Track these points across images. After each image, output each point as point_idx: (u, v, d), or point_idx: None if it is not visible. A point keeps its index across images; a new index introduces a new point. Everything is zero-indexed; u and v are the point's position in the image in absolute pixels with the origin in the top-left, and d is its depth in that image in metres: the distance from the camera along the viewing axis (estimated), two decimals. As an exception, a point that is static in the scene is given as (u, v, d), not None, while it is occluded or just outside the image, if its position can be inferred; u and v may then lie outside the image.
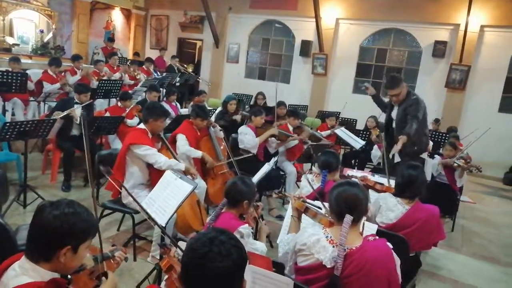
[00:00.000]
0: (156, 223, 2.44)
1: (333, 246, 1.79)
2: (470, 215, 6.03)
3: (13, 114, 6.08)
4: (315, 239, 1.83)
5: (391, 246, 1.83)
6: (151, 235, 3.60)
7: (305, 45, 10.79)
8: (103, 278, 1.78)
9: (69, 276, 1.59)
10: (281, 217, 4.91)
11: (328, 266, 1.76)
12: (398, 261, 1.83)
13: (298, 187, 5.31)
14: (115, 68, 7.92)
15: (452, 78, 9.16)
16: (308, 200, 2.34)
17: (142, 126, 3.50)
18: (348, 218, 1.78)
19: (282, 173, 5.31)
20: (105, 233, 3.88)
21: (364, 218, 1.93)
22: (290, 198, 2.33)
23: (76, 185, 5.08)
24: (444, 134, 7.14)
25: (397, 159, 4.37)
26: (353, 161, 6.95)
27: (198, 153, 4.12)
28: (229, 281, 1.22)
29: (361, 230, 1.90)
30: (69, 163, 4.86)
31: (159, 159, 3.30)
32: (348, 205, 1.83)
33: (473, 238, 5.12)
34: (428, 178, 5.18)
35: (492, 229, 5.56)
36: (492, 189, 7.95)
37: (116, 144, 5.31)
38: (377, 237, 1.85)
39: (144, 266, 3.34)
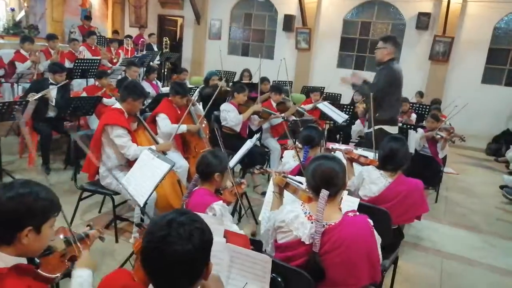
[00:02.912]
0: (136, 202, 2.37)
1: (312, 222, 1.74)
2: (453, 186, 6.09)
3: (-15, 98, 5.86)
4: (293, 216, 1.78)
5: (372, 223, 1.79)
6: (133, 216, 3.53)
7: (288, 19, 10.58)
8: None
9: (37, 260, 1.52)
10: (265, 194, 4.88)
11: (307, 242, 1.72)
12: (379, 239, 1.80)
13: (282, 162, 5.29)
14: (93, 48, 7.63)
15: (435, 50, 9.13)
16: (290, 176, 2.28)
17: (118, 105, 3.37)
18: (324, 193, 1.72)
19: (266, 149, 5.25)
20: (86, 215, 3.80)
21: (345, 192, 1.88)
22: (272, 173, 2.27)
23: (55, 167, 4.94)
24: (427, 107, 7.15)
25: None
26: (337, 136, 6.94)
27: (183, 128, 4.02)
28: (190, 265, 1.15)
29: (340, 205, 1.85)
30: (46, 145, 4.71)
31: (128, 150, 3.19)
32: (324, 180, 1.77)
33: (455, 209, 5.18)
34: (411, 151, 5.20)
35: (474, 199, 5.64)
36: (475, 160, 8.05)
37: (95, 124, 5.15)
38: (357, 213, 1.81)
39: (126, 247, 3.28)
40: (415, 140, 5.22)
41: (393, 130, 4.29)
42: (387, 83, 4.12)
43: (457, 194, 5.76)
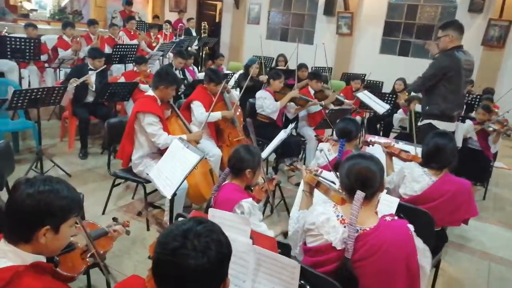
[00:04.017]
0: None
1: (344, 226, 1.60)
2: (504, 182, 5.67)
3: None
4: (324, 218, 1.64)
5: (412, 229, 1.62)
6: (165, 204, 3.52)
7: (329, 3, 10.17)
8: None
9: (56, 258, 1.48)
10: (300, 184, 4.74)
11: (338, 248, 1.58)
12: (425, 248, 1.62)
13: (316, 139, 5.10)
14: (132, 33, 7.69)
15: (490, 35, 8.46)
16: (323, 173, 2.14)
17: (151, 92, 3.33)
18: (359, 195, 1.57)
19: (302, 139, 5.09)
20: (120, 201, 3.83)
21: (381, 193, 1.71)
22: (302, 170, 2.13)
23: (93, 152, 5.04)
24: (478, 96, 6.66)
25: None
26: (378, 126, 6.64)
27: (217, 115, 3.96)
28: (205, 281, 1.04)
29: (376, 209, 1.68)
30: (84, 130, 4.80)
31: (158, 139, 3.15)
32: (359, 180, 1.62)
33: (506, 207, 4.81)
34: (459, 144, 4.84)
35: (527, 197, 5.23)
36: (529, 154, 7.47)
37: (131, 108, 5.18)
38: (396, 218, 1.64)
39: (157, 235, 3.26)
40: (463, 132, 4.85)
41: (446, 126, 3.68)
42: (437, 71, 3.65)
43: (508, 191, 5.35)
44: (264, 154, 3.65)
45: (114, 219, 2.02)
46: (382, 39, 9.95)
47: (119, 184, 3.63)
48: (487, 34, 8.51)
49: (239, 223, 1.68)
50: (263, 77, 5.96)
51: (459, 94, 3.80)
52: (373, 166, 1.63)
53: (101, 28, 8.69)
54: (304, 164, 5.16)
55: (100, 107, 4.97)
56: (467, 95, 6.93)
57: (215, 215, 1.74)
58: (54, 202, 1.31)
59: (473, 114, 6.04)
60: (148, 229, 3.38)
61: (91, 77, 4.78)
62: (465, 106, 6.45)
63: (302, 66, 6.37)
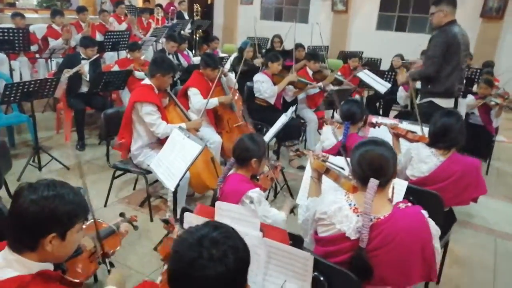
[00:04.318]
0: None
1: (358, 215, 1.55)
2: (506, 156, 5.64)
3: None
4: (336, 208, 1.59)
5: (426, 215, 1.57)
6: (167, 194, 3.47)
7: (324, -21, 9.96)
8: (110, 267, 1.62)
9: (64, 265, 1.42)
10: (302, 168, 4.70)
11: (352, 238, 1.53)
12: (438, 231, 1.57)
13: (319, 134, 5.04)
14: (122, 18, 7.50)
15: (488, 6, 8.32)
16: (330, 158, 2.08)
17: (148, 81, 3.23)
18: (373, 182, 1.51)
19: (302, 121, 5.02)
20: (121, 192, 3.78)
21: (393, 180, 1.66)
22: (309, 156, 2.07)
23: (90, 143, 4.96)
24: (478, 70, 6.58)
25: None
26: (377, 104, 6.56)
27: (214, 101, 3.88)
28: None
29: (390, 196, 1.63)
30: (80, 121, 4.71)
31: (158, 128, 3.08)
32: (373, 168, 1.55)
33: (508, 181, 4.80)
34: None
35: (529, 170, 5.21)
36: (529, 127, 7.43)
37: (128, 98, 5.08)
38: (409, 204, 1.59)
39: (161, 226, 3.17)
40: (465, 108, 4.80)
41: (447, 103, 3.69)
42: (441, 51, 3.55)
43: (510, 165, 5.33)
44: (265, 139, 3.59)
45: (121, 214, 1.96)
46: (378, 15, 9.78)
47: (119, 175, 3.57)
48: (485, 5, 8.38)
49: (247, 215, 1.63)
50: (258, 61, 5.84)
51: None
52: (386, 153, 1.57)
53: (91, 14, 8.48)
54: (305, 147, 5.13)
55: (95, 97, 4.86)
56: (466, 69, 6.85)
57: (222, 208, 1.69)
58: (60, 208, 1.24)
59: (474, 89, 5.97)
60: (151, 220, 3.34)
61: (84, 67, 4.67)
62: (465, 81, 6.38)
63: (298, 46, 6.25)
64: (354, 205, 1.58)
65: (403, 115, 5.09)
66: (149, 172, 3.23)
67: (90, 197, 3.48)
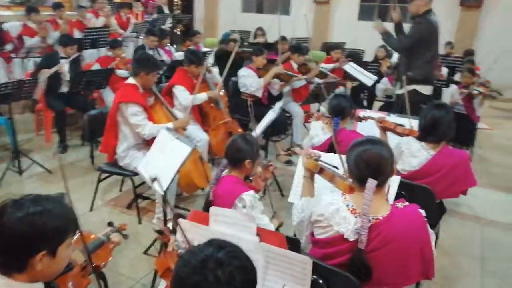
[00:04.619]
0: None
1: (356, 217, 1.53)
2: (487, 143, 5.75)
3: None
4: (333, 209, 1.57)
5: (424, 214, 1.57)
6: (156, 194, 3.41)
7: (304, -30, 9.91)
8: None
9: (55, 283, 1.36)
10: (289, 162, 4.69)
11: (351, 239, 1.52)
12: (433, 234, 1.57)
13: (306, 128, 5.04)
14: (101, 14, 7.29)
15: (467, -6, 8.41)
16: (322, 156, 2.05)
17: (132, 80, 3.14)
18: (371, 183, 1.49)
19: (287, 115, 4.99)
20: (107, 195, 3.70)
21: (390, 179, 1.64)
22: (302, 156, 2.04)
23: (73, 144, 4.83)
24: (459, 59, 6.65)
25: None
26: (361, 95, 6.57)
27: (203, 96, 3.81)
28: None
29: (387, 196, 1.62)
30: (61, 122, 4.57)
31: (143, 129, 3.00)
32: (371, 168, 1.53)
33: (492, 169, 4.88)
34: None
35: (511, 156, 5.32)
36: (508, 113, 7.58)
37: (110, 96, 4.95)
38: (406, 203, 1.58)
39: (150, 229, 3.17)
40: (449, 97, 4.85)
41: (427, 90, 4.02)
42: (422, 37, 3.76)
43: (492, 152, 5.44)
44: (257, 132, 3.55)
45: (110, 223, 1.90)
46: (360, 5, 9.78)
47: (105, 178, 3.48)
48: (465, -7, 8.46)
49: (243, 220, 1.60)
50: (235, 35, 5.74)
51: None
52: (384, 152, 1.55)
53: (68, 10, 8.22)
54: (291, 141, 5.11)
55: (76, 97, 4.73)
56: (447, 57, 6.93)
57: (217, 213, 1.66)
58: (48, 224, 1.18)
59: (456, 78, 6.05)
60: (140, 223, 3.28)
61: (64, 66, 4.51)
62: (447, 69, 6.47)
63: (282, 39, 6.18)
64: (352, 206, 1.56)
65: (388, 106, 5.13)
66: (136, 174, 3.17)
67: (75, 201, 3.40)
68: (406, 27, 4.07)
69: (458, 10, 8.67)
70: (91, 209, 3.42)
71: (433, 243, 1.56)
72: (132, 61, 3.21)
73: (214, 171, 4.29)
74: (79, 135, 5.02)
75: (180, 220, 1.71)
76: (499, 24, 8.44)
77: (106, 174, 3.43)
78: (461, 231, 3.45)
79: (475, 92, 4.69)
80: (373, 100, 6.29)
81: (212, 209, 1.66)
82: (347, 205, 1.56)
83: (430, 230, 1.58)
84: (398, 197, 2.15)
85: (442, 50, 7.56)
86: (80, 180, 3.94)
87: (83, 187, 3.76)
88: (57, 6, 6.59)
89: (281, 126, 4.63)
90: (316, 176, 1.98)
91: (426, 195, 2.27)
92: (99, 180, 3.40)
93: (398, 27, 4.13)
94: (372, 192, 1.48)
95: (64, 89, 4.64)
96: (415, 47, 3.82)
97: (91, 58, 6.14)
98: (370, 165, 1.53)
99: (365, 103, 6.17)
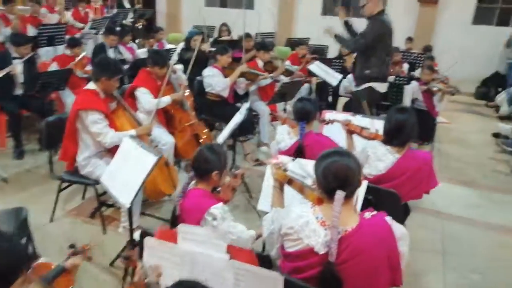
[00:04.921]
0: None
1: (325, 229, 1.53)
2: (446, 137, 5.98)
3: None
4: (303, 222, 1.56)
5: (390, 222, 1.59)
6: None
7: (267, -37, 9.85)
8: None
9: None
10: (258, 161, 4.68)
11: (321, 252, 1.52)
12: (402, 234, 1.59)
13: (273, 126, 5.03)
14: (56, 9, 6.95)
15: (424, -9, 8.68)
16: (289, 165, 2.04)
17: (92, 85, 3.00)
18: (340, 195, 1.50)
19: (254, 113, 4.96)
20: (68, 204, 3.54)
21: (358, 191, 1.66)
22: (270, 166, 2.02)
23: (30, 149, 4.59)
24: (420, 55, 6.86)
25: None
26: (327, 91, 6.64)
27: (167, 100, 3.71)
28: None
29: (356, 206, 1.63)
30: (16, 127, 4.33)
31: (104, 138, 2.87)
32: (339, 180, 1.54)
33: (450, 163, 5.09)
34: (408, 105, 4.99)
35: (468, 150, 5.56)
36: (465, 106, 7.93)
37: (70, 98, 4.72)
38: (374, 212, 1.60)
39: (116, 238, 3.07)
40: (411, 91, 4.99)
41: (382, 87, 4.26)
42: (376, 37, 3.95)
43: (451, 146, 5.67)
44: (220, 139, 3.51)
45: (71, 246, 1.80)
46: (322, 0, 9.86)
47: (66, 188, 3.33)
48: (421, -10, 8.72)
49: (213, 238, 1.56)
50: (206, 46, 5.68)
51: (390, 56, 4.26)
52: (351, 163, 1.56)
53: (19, 4, 7.78)
54: (258, 139, 5.10)
55: (32, 99, 4.48)
56: (408, 53, 7.13)
57: (185, 231, 1.61)
58: None
59: (416, 74, 6.23)
60: (104, 232, 3.16)
61: (17, 67, 4.26)
62: (408, 65, 6.65)
63: (247, 36, 6.13)
64: (321, 218, 1.56)
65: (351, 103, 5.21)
66: (98, 182, 3.04)
67: (33, 212, 3.23)
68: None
69: (417, 6, 8.92)
70: (51, 220, 3.26)
71: (403, 248, 1.58)
72: (92, 65, 3.05)
73: (180, 173, 4.25)
74: (37, 138, 4.78)
75: (147, 239, 1.66)
76: (455, 20, 8.77)
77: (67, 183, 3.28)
78: (423, 226, 3.55)
79: (435, 89, 4.84)
80: (338, 96, 6.37)
81: (180, 226, 1.61)
82: (317, 217, 1.56)
83: (405, 231, 1.59)
84: (365, 201, 2.21)
85: (402, 45, 7.78)
86: (39, 189, 3.76)
87: (42, 196, 3.59)
88: (7, 1, 6.22)
89: (248, 125, 4.60)
90: (288, 189, 1.97)
91: (392, 199, 2.33)
92: (60, 190, 3.25)
93: (346, 25, 4.37)
94: (341, 204, 1.49)
95: (19, 91, 4.39)
96: (370, 46, 3.99)
97: (47, 56, 5.83)
98: (338, 177, 1.53)
99: (330, 98, 6.24)
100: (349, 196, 1.56)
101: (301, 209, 1.62)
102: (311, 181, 1.85)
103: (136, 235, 2.98)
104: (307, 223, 1.56)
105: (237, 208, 3.59)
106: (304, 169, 2.01)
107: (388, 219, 1.62)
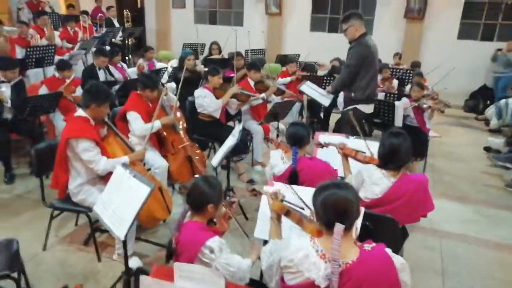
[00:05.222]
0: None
1: (326, 262, 1.51)
2: (438, 151, 6.03)
3: None
4: (303, 255, 1.54)
5: (389, 253, 1.57)
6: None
7: (256, -18, 9.98)
8: None
9: None
10: (252, 181, 4.66)
11: (322, 285, 1.50)
12: (402, 265, 1.58)
13: (266, 144, 5.01)
14: (44, 30, 6.91)
15: (411, 7, 8.85)
16: (286, 195, 2.02)
17: (81, 112, 2.96)
18: (339, 228, 1.48)
19: (246, 132, 4.94)
20: (61, 231, 3.47)
21: (357, 221, 1.64)
22: (267, 197, 2.00)
23: (20, 173, 4.51)
24: (408, 71, 6.94)
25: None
26: (318, 108, 6.66)
27: (157, 125, 3.67)
28: None
29: (354, 237, 1.61)
30: (6, 152, 4.26)
31: (97, 165, 2.82)
32: (337, 212, 1.52)
33: (443, 177, 5.12)
34: (399, 124, 5.02)
35: (460, 164, 5.60)
36: (455, 119, 8.02)
37: (60, 120, 4.65)
38: (374, 244, 1.58)
39: (110, 267, 3.01)
40: (401, 110, 5.02)
41: (368, 109, 4.34)
42: (359, 61, 4.04)
43: (443, 160, 5.71)
44: (214, 162, 3.48)
45: (65, 287, 1.74)
46: (311, 16, 9.98)
47: (58, 215, 3.26)
48: (408, 6, 8.88)
49: (210, 276, 1.53)
50: (200, 68, 5.69)
51: (375, 78, 4.32)
52: (349, 195, 1.55)
53: (6, 22, 7.73)
54: (252, 158, 5.08)
55: (21, 123, 4.41)
56: (396, 69, 7.21)
57: (182, 269, 1.58)
58: None
59: (406, 90, 6.30)
60: (99, 260, 3.09)
61: (5, 92, 4.19)
62: (397, 82, 6.72)
63: (237, 55, 6.16)
64: (322, 251, 1.54)
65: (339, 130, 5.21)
66: (91, 209, 2.99)
67: (26, 240, 3.16)
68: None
69: (404, 22, 9.08)
70: (44, 249, 3.19)
71: (406, 278, 1.57)
72: (83, 92, 3.01)
73: (174, 196, 4.20)
74: (27, 162, 4.71)
75: (143, 278, 1.62)
76: (441, 35, 8.93)
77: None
78: (421, 246, 3.55)
79: (425, 106, 4.89)
80: (330, 113, 6.40)
81: (177, 264, 1.58)
82: (317, 251, 1.54)
83: (404, 262, 1.58)
84: (362, 227, 2.19)
85: (390, 61, 7.89)
86: (31, 215, 3.68)
87: (34, 223, 3.53)
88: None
89: (242, 145, 4.58)
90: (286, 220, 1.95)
91: (390, 224, 2.32)
92: (52, 217, 3.18)
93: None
94: (341, 237, 1.47)
95: (7, 115, 4.32)
96: (354, 72, 4.09)
97: (37, 77, 5.80)
98: (336, 210, 1.52)
99: (322, 115, 6.27)
100: (348, 228, 1.54)
101: (300, 242, 1.60)
102: (309, 212, 1.84)
103: (132, 262, 2.95)
104: (307, 256, 1.54)
105: (234, 231, 3.53)
106: (302, 198, 1.98)
107: (388, 250, 1.60)
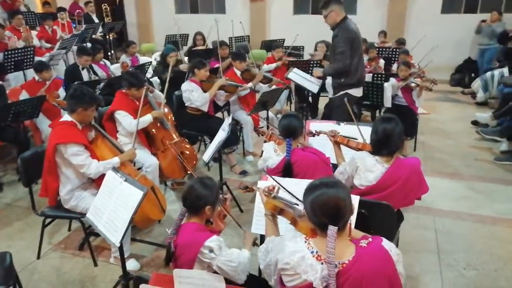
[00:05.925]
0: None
1: (322, 263, 1.49)
2: (427, 129, 6.06)
3: None
4: (299, 257, 1.52)
5: (387, 247, 1.55)
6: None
7: (235, -33, 9.78)
8: None
9: None
10: (244, 173, 4.64)
11: (320, 287, 1.48)
12: (398, 256, 1.57)
13: (256, 133, 4.97)
14: (21, 31, 6.71)
15: (393, -17, 8.76)
16: (279, 192, 1.99)
17: (68, 117, 2.89)
18: (332, 230, 1.45)
19: (235, 122, 4.89)
20: (55, 237, 3.42)
21: (352, 216, 1.61)
22: (260, 194, 1.97)
23: (8, 181, 4.43)
24: (394, 49, 6.91)
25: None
26: (306, 92, 6.63)
27: (148, 118, 3.65)
28: None
29: (349, 234, 1.58)
30: (-9, 160, 4.17)
31: (88, 169, 2.77)
32: (329, 214, 1.49)
33: (434, 154, 5.15)
34: (388, 105, 5.02)
35: (449, 140, 5.64)
36: (442, 94, 8.06)
37: (45, 124, 4.54)
38: (370, 239, 1.56)
39: (107, 270, 2.99)
40: (391, 87, 5.00)
41: (359, 92, 4.32)
42: (348, 45, 3.99)
43: (433, 137, 5.74)
44: (206, 158, 3.44)
45: None
46: (294, -1, 9.86)
47: (50, 223, 3.21)
48: (390, -17, 8.79)
49: (211, 280, 1.51)
50: (184, 66, 5.60)
51: (362, 60, 4.28)
52: (341, 193, 1.51)
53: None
54: (243, 148, 5.05)
55: (4, 129, 4.30)
56: (382, 48, 7.18)
57: (181, 276, 1.56)
58: None
59: (393, 69, 6.28)
60: (95, 265, 3.06)
61: (-14, 98, 4.10)
62: (384, 61, 6.70)
63: (222, 44, 6.06)
64: (317, 252, 1.51)
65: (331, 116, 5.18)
66: (84, 215, 2.94)
67: (19, 250, 3.11)
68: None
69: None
70: (38, 257, 3.14)
71: (400, 270, 1.56)
72: (68, 97, 2.92)
73: (167, 192, 4.16)
74: (15, 168, 4.62)
75: (142, 286, 1.59)
76: (425, 10, 8.89)
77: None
78: (416, 226, 3.57)
79: (413, 84, 4.88)
80: (318, 97, 6.37)
81: (176, 271, 1.55)
82: (312, 252, 1.52)
83: (399, 252, 1.57)
84: (358, 215, 2.19)
85: (375, 39, 7.85)
86: (22, 223, 3.63)
87: (26, 231, 3.47)
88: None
89: (233, 137, 4.54)
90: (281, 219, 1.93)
91: (386, 210, 2.31)
92: (44, 225, 3.13)
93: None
94: (334, 239, 1.45)
95: (-10, 122, 4.21)
96: (348, 59, 4.04)
97: (17, 81, 5.65)
98: (327, 210, 1.48)
99: (310, 99, 6.23)
100: (342, 228, 1.52)
101: (295, 244, 1.56)
102: (303, 207, 1.81)
103: (129, 265, 2.93)
104: (303, 258, 1.52)
105: (229, 223, 3.52)
106: (294, 195, 1.95)
107: (385, 243, 1.58)
